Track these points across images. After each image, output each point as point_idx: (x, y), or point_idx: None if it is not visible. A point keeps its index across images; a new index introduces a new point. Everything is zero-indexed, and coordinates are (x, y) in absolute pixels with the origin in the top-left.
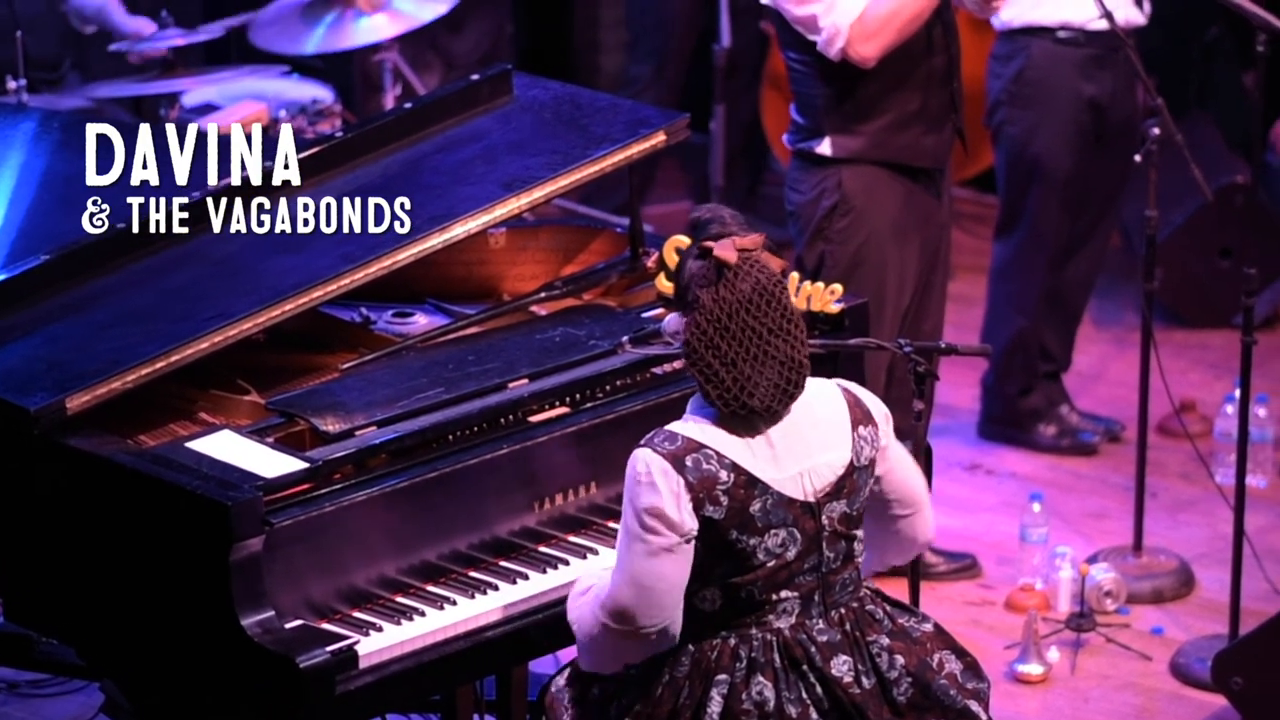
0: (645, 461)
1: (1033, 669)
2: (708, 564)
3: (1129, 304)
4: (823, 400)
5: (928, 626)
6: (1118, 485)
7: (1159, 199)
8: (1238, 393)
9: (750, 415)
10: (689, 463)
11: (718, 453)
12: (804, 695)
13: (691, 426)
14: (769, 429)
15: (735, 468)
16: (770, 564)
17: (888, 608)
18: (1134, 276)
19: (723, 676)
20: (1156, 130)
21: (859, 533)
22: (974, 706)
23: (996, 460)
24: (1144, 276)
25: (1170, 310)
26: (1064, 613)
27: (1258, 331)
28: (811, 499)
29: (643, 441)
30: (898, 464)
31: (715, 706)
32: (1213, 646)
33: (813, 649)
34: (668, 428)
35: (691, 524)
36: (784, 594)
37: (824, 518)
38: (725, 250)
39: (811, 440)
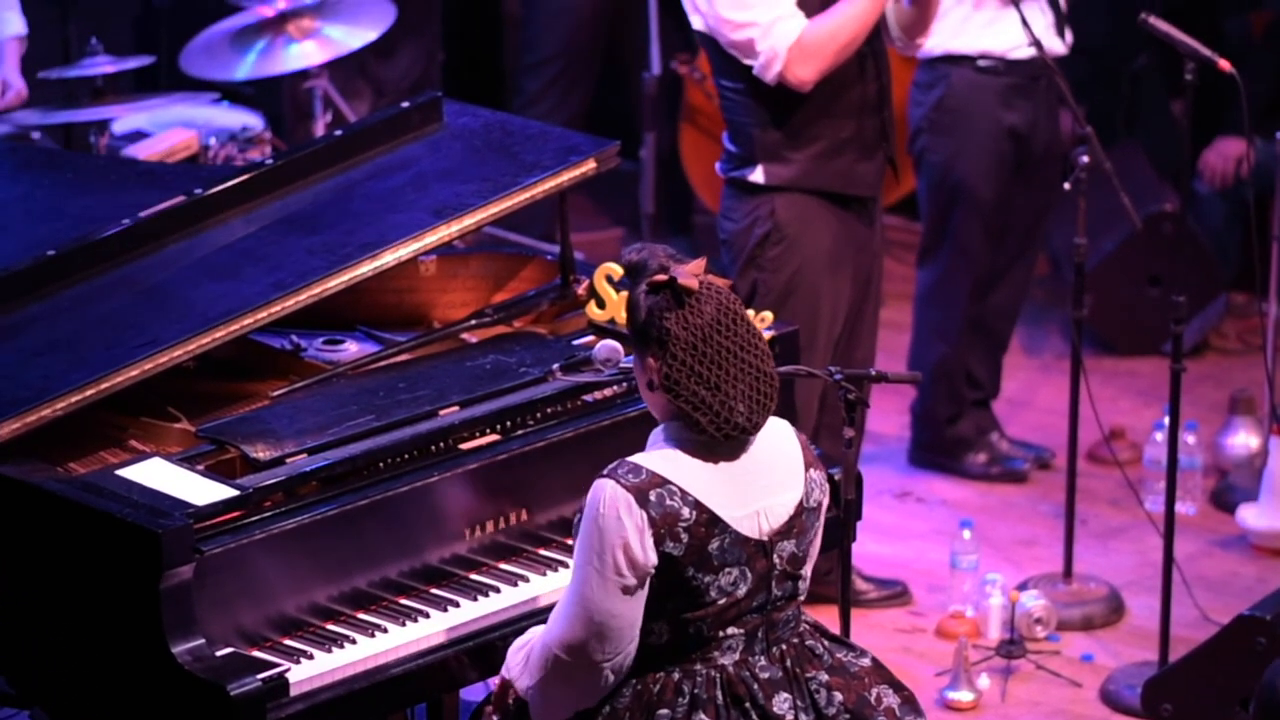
0: (609, 495)
1: (963, 696)
2: (660, 598)
3: (1058, 331)
4: (780, 437)
5: (865, 661)
6: (1047, 512)
7: (1088, 227)
8: (1167, 420)
9: (736, 439)
10: (653, 498)
11: (681, 489)
12: None
13: (656, 459)
14: (733, 460)
15: (697, 505)
16: (721, 601)
17: (826, 643)
18: (1063, 303)
19: (664, 711)
20: (1085, 158)
21: (805, 571)
22: None
23: (926, 487)
24: (1073, 304)
25: (1100, 337)
26: (994, 640)
27: (1187, 359)
28: (765, 538)
29: (605, 472)
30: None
31: None
32: (1142, 673)
33: (755, 686)
34: (633, 459)
35: (652, 560)
36: (730, 630)
37: (775, 556)
38: (687, 278)
39: (770, 478)
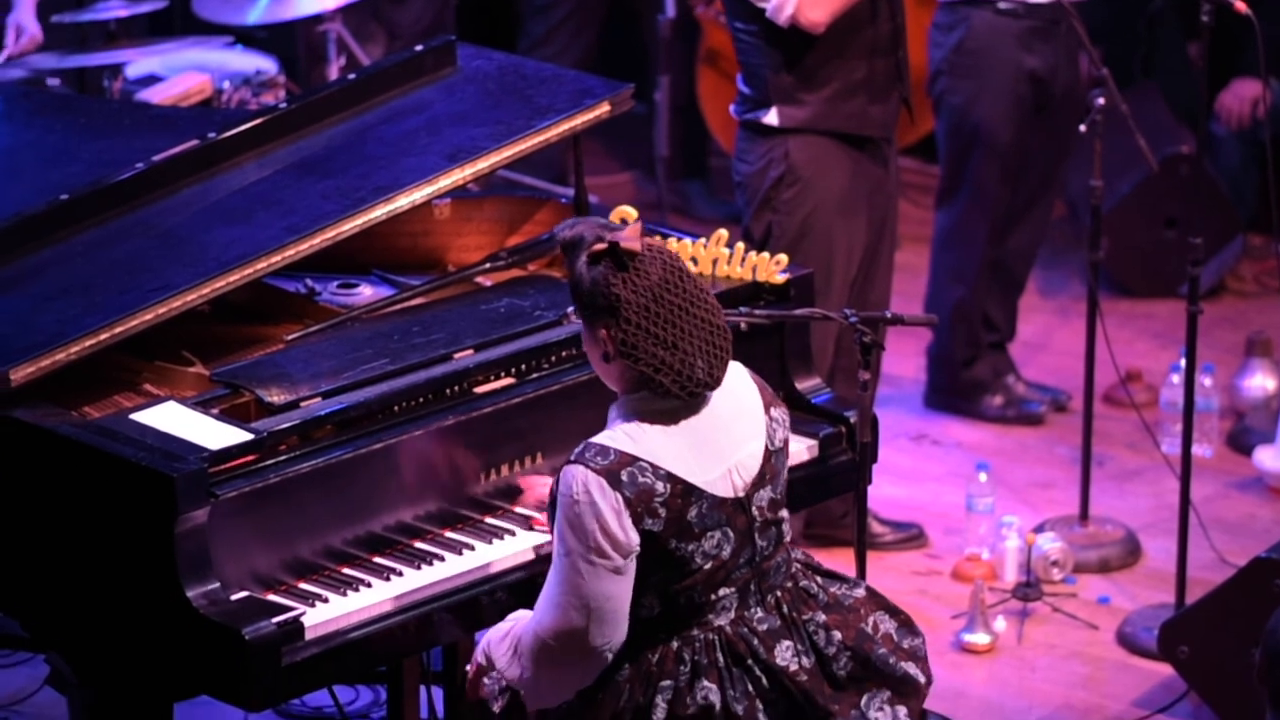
0: (581, 480)
1: (979, 639)
2: (645, 572)
3: (1074, 274)
4: (737, 384)
5: (859, 592)
6: (1064, 455)
7: (1104, 169)
8: (1183, 362)
9: (700, 396)
10: (624, 477)
11: (652, 464)
12: (749, 689)
13: (621, 437)
14: (696, 421)
15: (670, 477)
16: (708, 566)
17: (819, 580)
18: (1079, 246)
19: (667, 682)
20: (1102, 101)
21: (785, 514)
22: (911, 670)
23: (942, 430)
24: (1089, 246)
25: (1116, 280)
26: (1010, 582)
27: (1203, 301)
28: (741, 493)
29: (573, 457)
30: None
31: (660, 713)
32: (1159, 615)
33: (755, 641)
34: (597, 441)
35: (635, 539)
36: (722, 592)
37: (754, 509)
38: (630, 241)
39: (735, 432)
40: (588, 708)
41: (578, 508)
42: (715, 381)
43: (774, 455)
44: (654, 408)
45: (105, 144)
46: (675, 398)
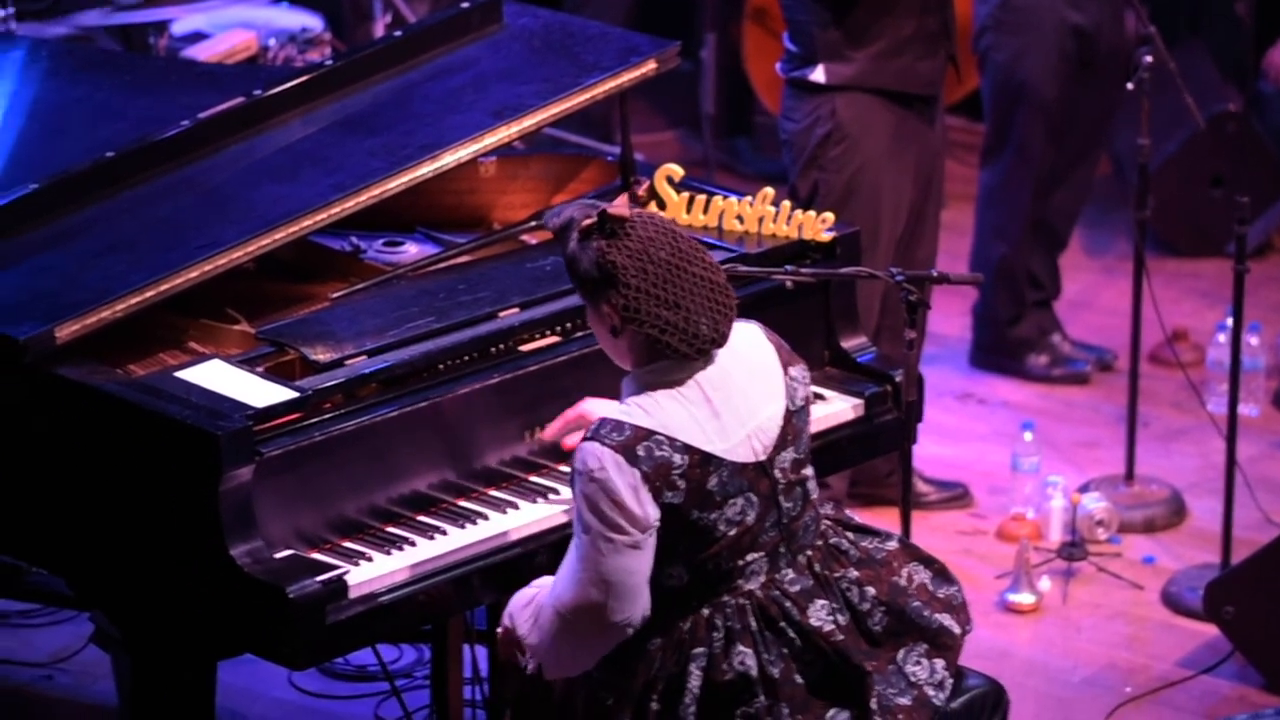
0: (596, 456)
1: (1024, 598)
2: (670, 544)
3: (1121, 232)
4: (751, 345)
5: (891, 544)
6: (1109, 414)
7: (1151, 127)
8: (1230, 321)
9: (708, 353)
10: (641, 452)
11: (668, 437)
12: (784, 651)
13: (635, 411)
14: (709, 387)
15: (687, 449)
16: (732, 533)
17: (850, 536)
18: (1125, 205)
19: (700, 649)
20: (1149, 58)
21: (809, 471)
22: (947, 621)
23: (988, 389)
24: (1136, 205)
25: (1162, 239)
26: (1055, 542)
27: (1250, 260)
28: (763, 457)
29: (588, 434)
30: None
31: (695, 680)
32: (1204, 576)
33: (787, 603)
34: (613, 417)
35: (654, 514)
36: (750, 557)
37: (776, 471)
38: (618, 208)
39: (752, 395)
40: (621, 677)
41: (594, 485)
42: (722, 338)
43: (794, 415)
44: (666, 378)
45: (151, 101)
46: (684, 358)
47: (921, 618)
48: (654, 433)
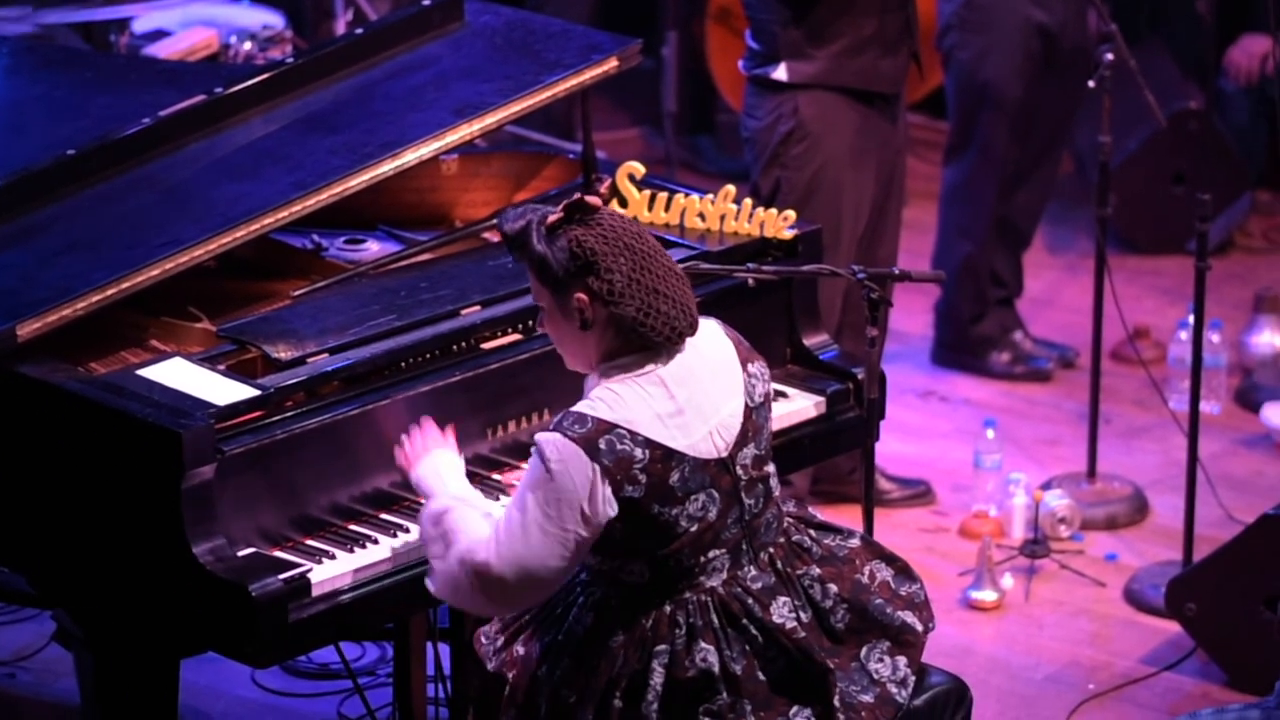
0: (556, 448)
1: (987, 595)
2: (630, 539)
3: (1082, 230)
4: (711, 342)
5: (854, 542)
6: (1071, 411)
7: (1112, 125)
8: (1191, 319)
9: (679, 343)
10: (603, 445)
11: (630, 431)
12: (746, 648)
13: (599, 405)
14: (672, 383)
15: (648, 443)
16: (694, 529)
17: (813, 533)
18: (1087, 202)
19: (662, 646)
20: (1110, 56)
21: (771, 468)
22: (909, 618)
23: (950, 387)
24: (1097, 202)
25: (1124, 236)
26: (1018, 539)
27: (1211, 257)
28: (724, 454)
29: (550, 425)
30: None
31: (658, 678)
32: (1166, 573)
33: (749, 600)
34: (575, 409)
35: (608, 512)
36: (712, 553)
37: (738, 468)
38: (591, 199)
39: (713, 391)
40: (584, 675)
41: (550, 474)
42: (693, 327)
43: (754, 411)
44: (630, 373)
45: (112, 99)
46: (659, 345)
47: (884, 615)
48: (616, 426)
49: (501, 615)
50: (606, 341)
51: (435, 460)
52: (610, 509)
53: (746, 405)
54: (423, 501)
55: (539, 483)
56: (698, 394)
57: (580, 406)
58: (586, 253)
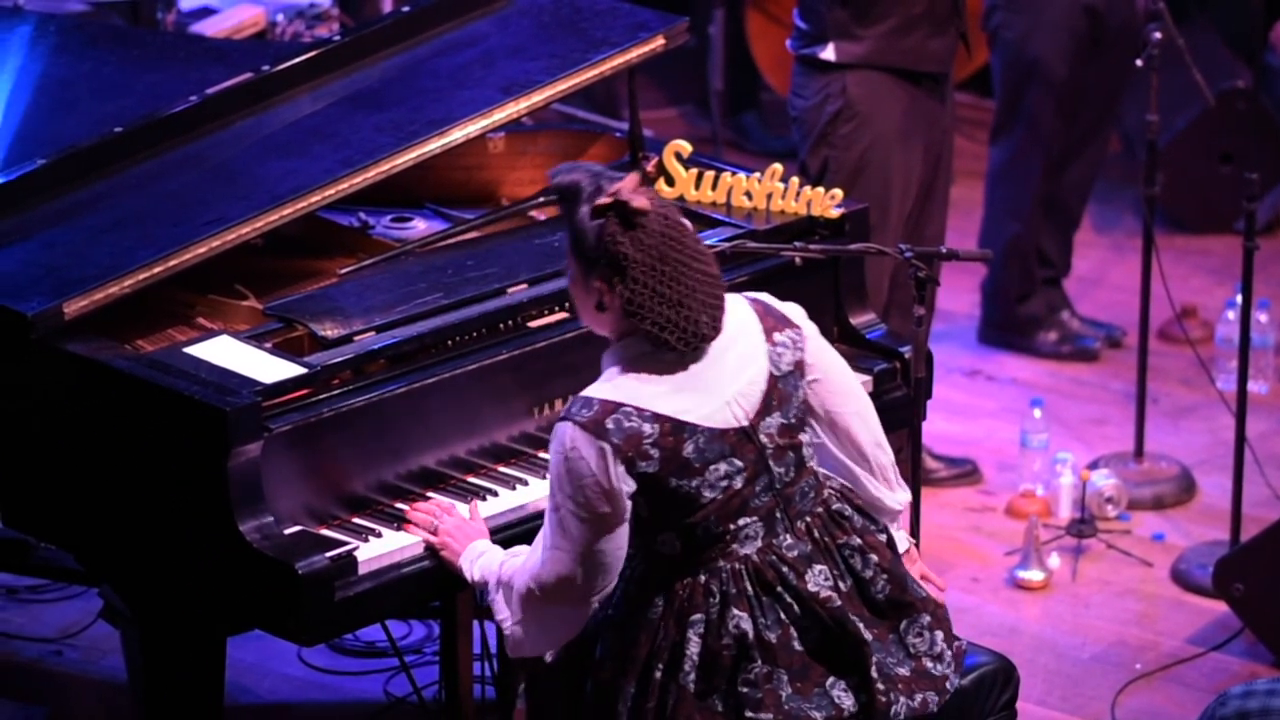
0: (568, 435)
1: (1033, 575)
2: (657, 513)
3: (1130, 209)
4: (731, 315)
5: (882, 538)
6: (1119, 391)
7: (1160, 104)
8: (1239, 298)
9: (698, 349)
10: (610, 425)
11: (636, 408)
12: (782, 617)
13: (606, 388)
14: (692, 362)
15: (656, 418)
16: (719, 498)
17: (852, 506)
18: (1134, 181)
19: (697, 616)
20: (1158, 34)
21: (805, 437)
22: (933, 591)
23: (997, 366)
24: (1145, 181)
25: (1171, 215)
26: (1065, 519)
27: (1259, 236)
28: (745, 423)
29: (561, 415)
30: (831, 363)
31: (694, 647)
32: (1213, 553)
33: (784, 568)
34: (583, 394)
35: (627, 487)
36: (742, 521)
37: (762, 436)
38: (637, 199)
39: (730, 361)
40: (626, 647)
41: (567, 463)
42: (716, 332)
43: (780, 380)
44: (646, 353)
45: (159, 77)
46: (675, 351)
47: (918, 586)
48: (621, 405)
49: (578, 625)
50: (620, 327)
51: (480, 547)
52: (627, 485)
53: (771, 374)
54: (472, 480)
55: (560, 475)
56: (711, 367)
57: (588, 390)
58: (619, 257)
